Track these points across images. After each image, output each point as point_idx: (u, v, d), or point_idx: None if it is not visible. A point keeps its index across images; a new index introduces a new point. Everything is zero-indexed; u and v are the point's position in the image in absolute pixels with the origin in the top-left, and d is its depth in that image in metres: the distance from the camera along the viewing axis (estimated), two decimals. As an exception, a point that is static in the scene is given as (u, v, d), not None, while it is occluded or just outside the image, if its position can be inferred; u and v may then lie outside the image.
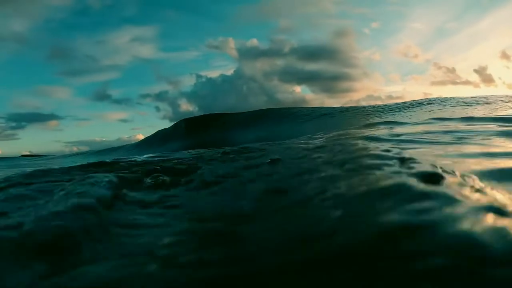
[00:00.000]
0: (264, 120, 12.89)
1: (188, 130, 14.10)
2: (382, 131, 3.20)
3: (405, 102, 13.54)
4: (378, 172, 1.22)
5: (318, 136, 3.47)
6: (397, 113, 11.19)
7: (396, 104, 13.84)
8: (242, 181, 1.56)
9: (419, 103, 12.59)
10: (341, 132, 3.58)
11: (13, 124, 42.33)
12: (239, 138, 10.84)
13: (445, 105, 10.68)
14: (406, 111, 11.40)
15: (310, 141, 2.85)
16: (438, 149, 1.99)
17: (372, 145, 2.07)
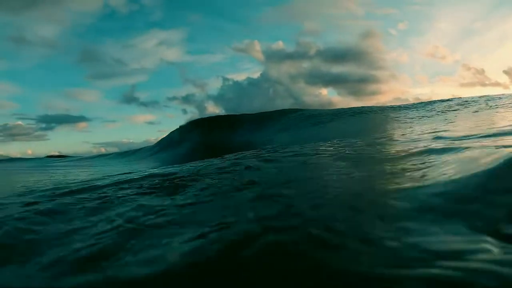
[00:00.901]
0: (266, 122, 12.70)
1: (196, 132, 14.29)
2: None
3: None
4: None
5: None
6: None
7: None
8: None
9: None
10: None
11: (43, 125, 44.83)
12: (247, 139, 10.98)
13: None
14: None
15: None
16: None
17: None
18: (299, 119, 12.06)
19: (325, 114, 12.06)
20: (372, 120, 9.91)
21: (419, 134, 4.08)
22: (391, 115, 10.00)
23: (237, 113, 15.73)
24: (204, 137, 12.90)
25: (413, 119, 8.35)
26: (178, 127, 16.50)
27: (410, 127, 5.96)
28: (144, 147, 17.13)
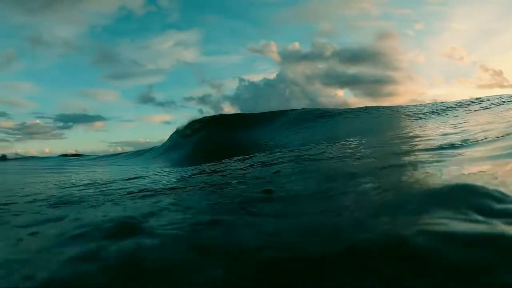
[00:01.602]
0: (270, 122, 12.55)
1: (198, 131, 14.07)
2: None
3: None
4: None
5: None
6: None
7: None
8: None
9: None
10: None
11: (60, 124, 45.90)
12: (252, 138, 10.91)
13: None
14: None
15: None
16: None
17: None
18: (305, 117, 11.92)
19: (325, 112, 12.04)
20: (385, 119, 9.81)
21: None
22: (405, 113, 9.97)
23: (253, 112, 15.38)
24: (211, 136, 12.73)
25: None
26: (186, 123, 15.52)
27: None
28: (154, 146, 17.12)
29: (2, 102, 48.22)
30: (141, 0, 44.92)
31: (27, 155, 30.70)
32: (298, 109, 14.03)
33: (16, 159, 27.14)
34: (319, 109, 13.69)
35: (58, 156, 30.38)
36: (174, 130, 15.66)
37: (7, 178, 6.84)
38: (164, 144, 15.31)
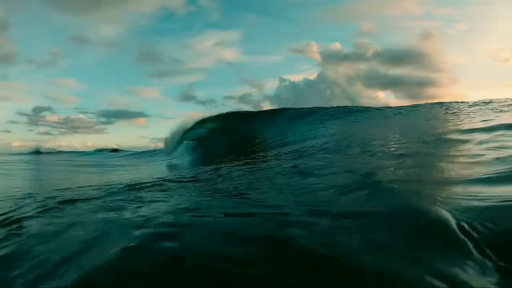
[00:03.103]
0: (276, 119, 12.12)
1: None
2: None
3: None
4: None
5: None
6: None
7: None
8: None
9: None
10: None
11: (103, 119, 48.15)
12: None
13: None
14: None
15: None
16: None
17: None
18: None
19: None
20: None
21: None
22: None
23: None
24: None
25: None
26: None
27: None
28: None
29: (48, 97, 51.74)
30: (182, 0, 46.11)
31: (64, 149, 32.50)
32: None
33: (49, 153, 28.66)
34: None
35: (94, 151, 31.80)
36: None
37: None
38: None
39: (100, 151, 31.34)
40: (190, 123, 13.91)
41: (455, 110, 7.10)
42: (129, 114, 47.20)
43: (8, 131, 42.61)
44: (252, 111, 14.55)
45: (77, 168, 9.18)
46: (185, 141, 13.82)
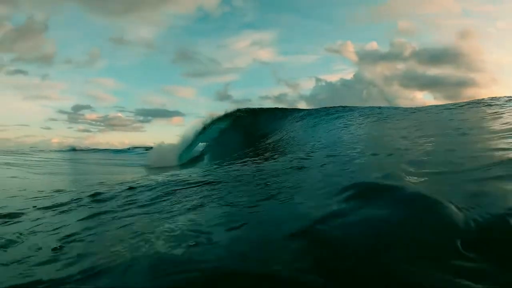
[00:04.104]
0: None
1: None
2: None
3: None
4: None
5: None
6: None
7: None
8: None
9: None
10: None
11: (141, 118, 50.55)
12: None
13: None
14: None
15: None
16: None
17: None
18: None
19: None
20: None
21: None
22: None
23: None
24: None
25: None
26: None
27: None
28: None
29: (87, 96, 54.74)
30: (217, 1, 47.25)
31: (102, 146, 34.44)
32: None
33: (83, 150, 30.50)
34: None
35: (128, 148, 33.37)
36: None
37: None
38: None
39: (129, 149, 32.66)
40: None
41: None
42: (165, 113, 49.00)
43: (48, 128, 45.81)
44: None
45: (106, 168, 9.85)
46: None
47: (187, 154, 12.58)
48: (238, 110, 13.38)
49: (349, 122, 7.28)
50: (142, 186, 3.29)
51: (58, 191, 3.76)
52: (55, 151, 28.79)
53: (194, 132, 12.91)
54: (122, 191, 3.12)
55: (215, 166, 5.11)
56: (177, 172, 5.02)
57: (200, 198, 2.49)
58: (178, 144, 12.76)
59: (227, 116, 13.15)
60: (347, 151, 3.65)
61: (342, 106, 10.95)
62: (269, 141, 8.56)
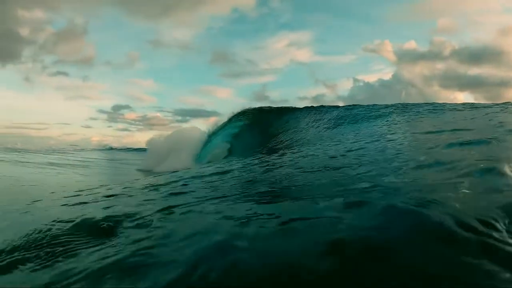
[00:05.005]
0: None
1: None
2: None
3: None
4: None
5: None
6: None
7: None
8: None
9: None
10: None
11: (179, 117, 52.65)
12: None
13: None
14: None
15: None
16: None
17: None
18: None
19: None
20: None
21: None
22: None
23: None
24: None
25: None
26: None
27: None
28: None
29: (126, 96, 57.53)
30: (253, 2, 47.62)
31: (137, 146, 36.17)
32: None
33: (120, 149, 32.33)
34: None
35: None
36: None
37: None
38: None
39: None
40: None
41: None
42: (203, 113, 50.10)
43: (88, 127, 48.85)
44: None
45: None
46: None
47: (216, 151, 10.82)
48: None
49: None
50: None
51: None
52: (95, 149, 30.77)
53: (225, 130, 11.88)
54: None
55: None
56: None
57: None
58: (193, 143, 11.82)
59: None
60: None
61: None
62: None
